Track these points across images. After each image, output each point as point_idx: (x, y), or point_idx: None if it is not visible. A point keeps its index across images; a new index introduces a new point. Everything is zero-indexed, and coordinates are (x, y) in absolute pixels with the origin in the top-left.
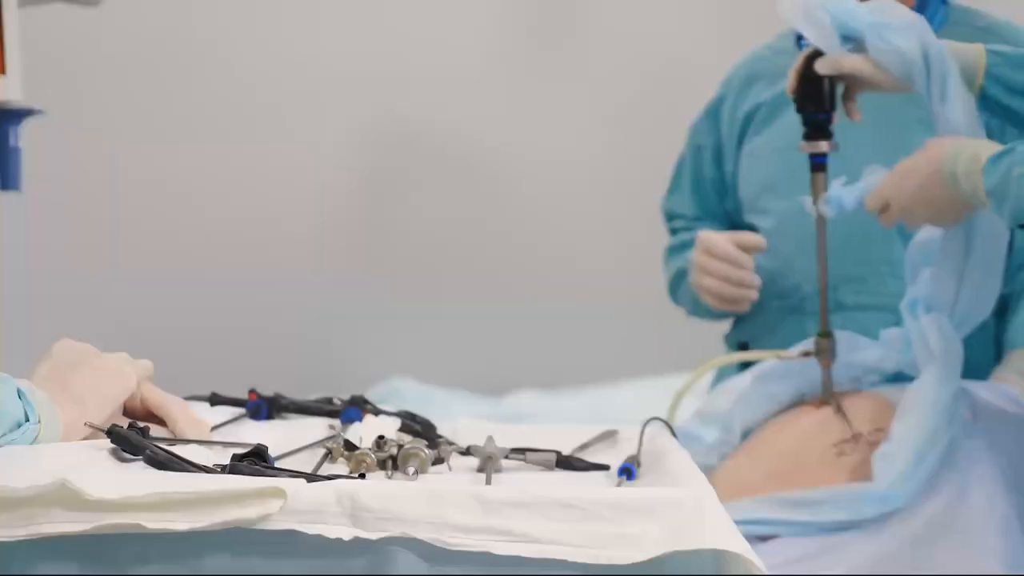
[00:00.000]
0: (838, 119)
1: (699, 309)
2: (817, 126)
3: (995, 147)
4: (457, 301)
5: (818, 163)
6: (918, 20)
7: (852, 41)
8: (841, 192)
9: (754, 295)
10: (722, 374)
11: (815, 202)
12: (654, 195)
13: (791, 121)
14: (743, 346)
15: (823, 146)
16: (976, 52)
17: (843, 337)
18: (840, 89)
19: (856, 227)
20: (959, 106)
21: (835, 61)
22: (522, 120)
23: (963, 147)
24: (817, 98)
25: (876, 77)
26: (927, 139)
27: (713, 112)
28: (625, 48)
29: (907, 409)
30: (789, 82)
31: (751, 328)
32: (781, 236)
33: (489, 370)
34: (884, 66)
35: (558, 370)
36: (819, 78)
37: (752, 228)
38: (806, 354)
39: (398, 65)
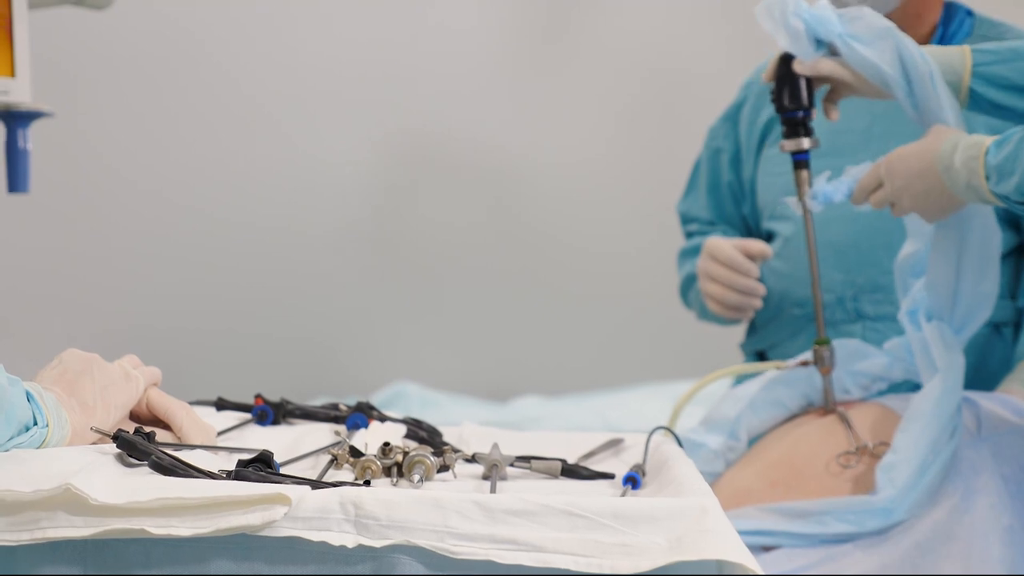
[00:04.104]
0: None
1: (708, 314)
2: (797, 124)
3: (994, 137)
4: (462, 306)
5: (800, 160)
6: (891, 30)
7: (827, 46)
8: (826, 187)
9: (758, 303)
10: (742, 381)
11: (800, 198)
12: (662, 201)
13: (814, 127)
14: (760, 354)
15: (804, 143)
16: (961, 53)
17: (850, 345)
18: (823, 91)
19: (877, 237)
20: (947, 109)
21: (813, 64)
22: (527, 126)
23: (962, 138)
24: (795, 96)
25: (856, 82)
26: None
27: (732, 116)
28: (634, 51)
29: (910, 420)
30: (765, 74)
31: (770, 336)
32: (801, 243)
33: (494, 375)
34: (860, 74)
35: (563, 376)
36: (796, 77)
37: (770, 234)
38: (804, 363)
39: (404, 69)
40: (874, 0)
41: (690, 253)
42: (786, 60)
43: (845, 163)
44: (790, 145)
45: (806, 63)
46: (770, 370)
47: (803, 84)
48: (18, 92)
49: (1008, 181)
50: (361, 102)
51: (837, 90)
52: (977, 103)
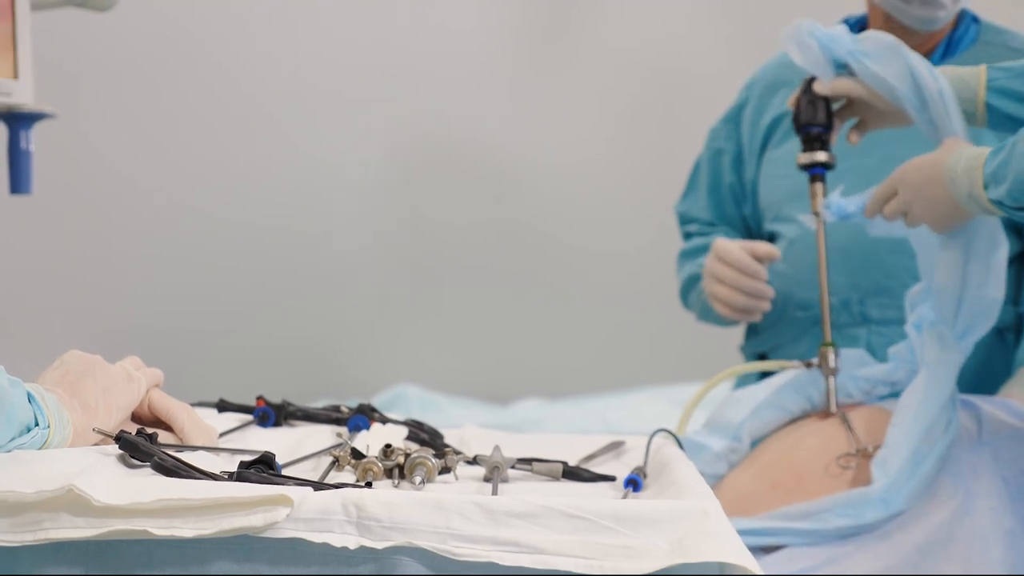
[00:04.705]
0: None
1: (709, 315)
2: (813, 139)
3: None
4: (463, 308)
5: (816, 174)
6: (898, 46)
7: (845, 67)
8: (840, 200)
9: (766, 306)
10: (742, 382)
11: (814, 211)
12: (663, 202)
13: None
14: (762, 356)
15: (819, 156)
16: (975, 70)
17: (853, 355)
18: (852, 123)
19: (884, 240)
20: (956, 122)
21: (832, 83)
22: (527, 127)
23: (967, 149)
24: (813, 112)
25: (873, 99)
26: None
27: (734, 117)
28: (634, 51)
29: (899, 414)
30: (789, 101)
31: (773, 338)
32: (805, 246)
33: (495, 377)
34: (875, 90)
35: (563, 378)
36: (816, 96)
37: (772, 236)
38: (809, 365)
39: (404, 69)
40: (921, 21)
41: (691, 254)
42: (809, 82)
43: (850, 167)
44: (805, 158)
45: (825, 83)
46: (775, 374)
47: (822, 102)
48: (21, 94)
49: (1000, 187)
50: (361, 102)
51: (865, 122)
52: (995, 117)
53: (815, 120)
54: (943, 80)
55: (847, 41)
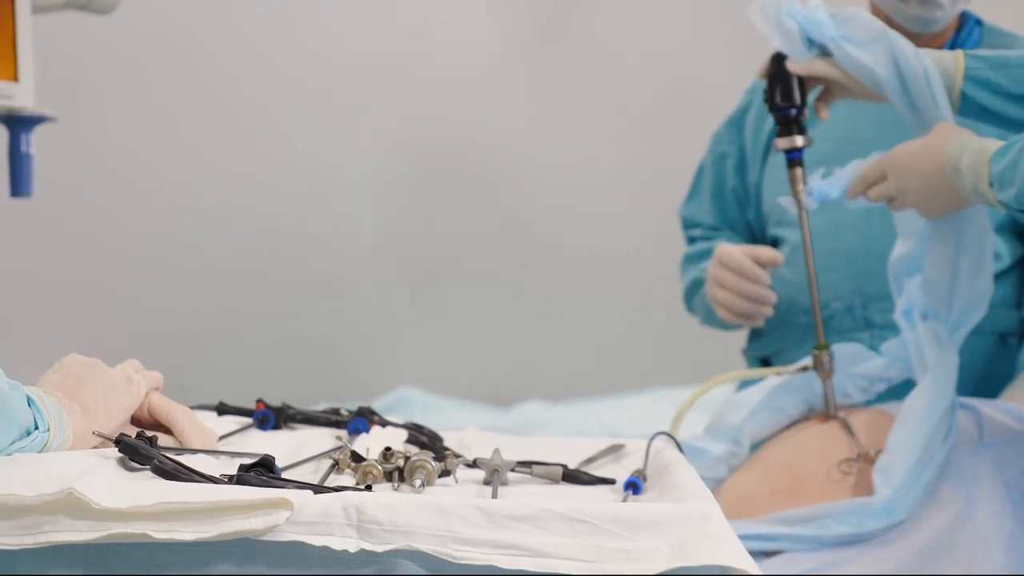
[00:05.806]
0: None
1: (712, 320)
2: (790, 122)
3: (1001, 143)
4: (465, 311)
5: (794, 158)
6: (884, 31)
7: (820, 47)
8: (822, 184)
9: (769, 311)
10: (746, 386)
11: (795, 196)
12: (666, 206)
13: (822, 133)
14: (765, 360)
15: (798, 141)
16: (954, 57)
17: (849, 349)
18: (816, 91)
19: (888, 245)
20: (943, 107)
21: (808, 66)
22: (531, 130)
23: (970, 141)
24: (788, 94)
25: (848, 83)
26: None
27: (737, 121)
28: (639, 55)
29: (902, 420)
30: (759, 72)
31: (775, 342)
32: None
33: (496, 380)
34: (853, 76)
35: (565, 381)
36: (789, 75)
37: (776, 241)
38: (804, 369)
39: (407, 71)
40: (919, 22)
41: (694, 258)
42: (779, 59)
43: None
44: (783, 143)
45: (799, 63)
46: (771, 376)
47: (796, 82)
48: (21, 96)
49: (1008, 190)
50: (364, 105)
51: (830, 91)
52: (968, 106)
53: (792, 103)
54: (929, 62)
55: (829, 26)
